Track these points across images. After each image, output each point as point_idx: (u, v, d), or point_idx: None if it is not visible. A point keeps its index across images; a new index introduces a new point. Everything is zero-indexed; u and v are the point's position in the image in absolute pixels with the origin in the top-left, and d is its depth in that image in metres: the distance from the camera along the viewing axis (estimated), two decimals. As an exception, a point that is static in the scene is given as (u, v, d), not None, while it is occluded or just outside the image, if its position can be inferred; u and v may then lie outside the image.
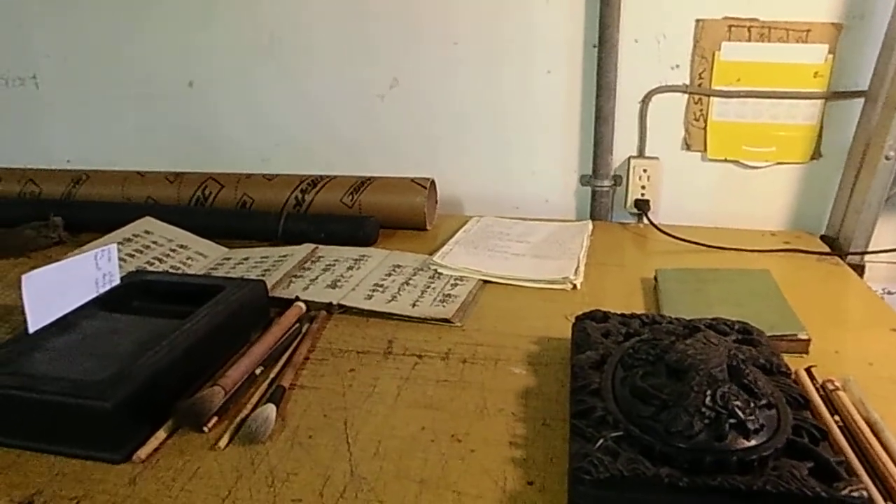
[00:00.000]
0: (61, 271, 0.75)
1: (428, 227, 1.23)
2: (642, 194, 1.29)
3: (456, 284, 0.97)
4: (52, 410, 0.60)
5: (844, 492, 0.47)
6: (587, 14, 1.22)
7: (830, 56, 1.16)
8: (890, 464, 0.54)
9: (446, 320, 0.86)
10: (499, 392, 0.70)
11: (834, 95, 1.18)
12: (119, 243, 1.08)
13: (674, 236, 1.17)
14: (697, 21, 1.19)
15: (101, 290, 0.81)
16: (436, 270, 1.02)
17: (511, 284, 0.98)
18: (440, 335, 0.83)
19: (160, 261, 1.07)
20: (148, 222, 1.18)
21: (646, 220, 1.26)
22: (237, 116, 1.44)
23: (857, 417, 0.61)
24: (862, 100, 1.15)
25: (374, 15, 1.30)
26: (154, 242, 1.12)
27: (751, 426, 0.52)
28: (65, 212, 1.24)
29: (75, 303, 0.77)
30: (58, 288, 0.75)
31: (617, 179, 1.31)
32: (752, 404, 0.54)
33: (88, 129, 1.52)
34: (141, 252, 1.08)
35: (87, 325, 0.75)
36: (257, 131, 1.44)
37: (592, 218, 1.32)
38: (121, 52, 1.43)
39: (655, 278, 0.97)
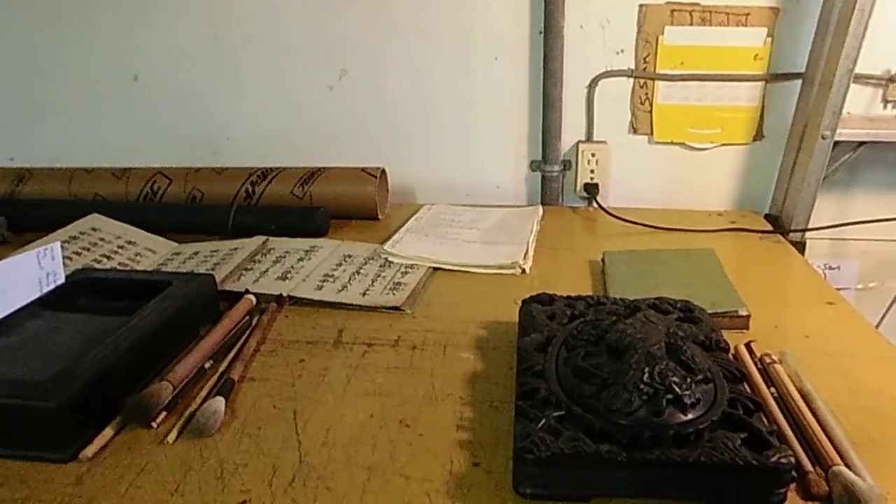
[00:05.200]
0: (1, 271, 0.74)
1: (380, 217, 1.24)
2: (591, 178, 1.30)
3: (406, 272, 0.97)
4: (-6, 412, 0.60)
5: (774, 459, 0.49)
6: (532, 1, 1.23)
7: (769, 39, 1.19)
8: (819, 431, 0.57)
9: (396, 308, 0.86)
10: (447, 377, 0.71)
11: (773, 77, 1.21)
12: (65, 241, 1.07)
13: (623, 219, 1.19)
14: (640, 6, 1.21)
15: (45, 290, 0.80)
16: (386, 259, 1.02)
17: (461, 271, 0.99)
18: (390, 323, 0.84)
19: (108, 258, 1.05)
20: (95, 219, 1.16)
21: (595, 204, 1.28)
22: (185, 110, 1.41)
23: (792, 389, 0.64)
24: (800, 81, 1.19)
25: (321, 5, 1.29)
26: (101, 239, 1.10)
27: (687, 401, 0.54)
28: (9, 211, 1.21)
29: (17, 303, 0.76)
30: (-2, 288, 0.74)
31: (566, 164, 1.32)
32: (689, 380, 0.56)
33: (32, 126, 1.48)
34: (88, 250, 1.07)
35: (31, 326, 0.75)
36: (206, 124, 1.42)
37: (543, 203, 1.33)
38: (64, 46, 1.40)
39: (603, 260, 0.99)
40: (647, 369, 0.55)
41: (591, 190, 1.30)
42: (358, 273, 0.97)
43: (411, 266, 1.00)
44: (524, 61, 1.28)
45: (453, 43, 1.28)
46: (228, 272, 0.97)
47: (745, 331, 0.80)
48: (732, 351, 0.69)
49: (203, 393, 0.68)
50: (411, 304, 0.88)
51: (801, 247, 1.17)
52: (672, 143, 1.29)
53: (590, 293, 0.81)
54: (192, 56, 1.37)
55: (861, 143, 1.18)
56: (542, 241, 1.10)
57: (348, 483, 0.56)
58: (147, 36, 1.37)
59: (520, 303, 0.78)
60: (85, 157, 1.41)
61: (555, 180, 1.32)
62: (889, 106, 1.20)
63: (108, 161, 1.37)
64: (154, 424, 0.63)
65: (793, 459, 0.50)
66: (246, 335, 0.79)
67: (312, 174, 1.23)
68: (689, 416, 0.53)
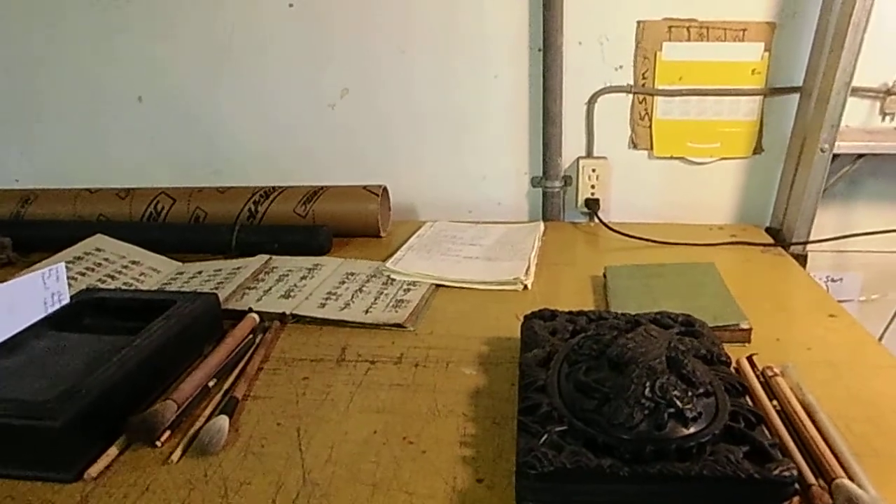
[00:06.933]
0: (7, 292, 0.75)
1: (382, 234, 1.24)
2: (592, 193, 1.31)
3: (409, 289, 0.98)
4: None
5: (776, 472, 0.49)
6: (531, 18, 1.24)
7: (766, 54, 1.20)
8: (822, 443, 0.57)
9: (399, 325, 0.87)
10: (450, 393, 0.71)
11: (771, 91, 1.22)
12: (70, 262, 1.07)
13: (624, 234, 1.19)
14: (638, 23, 1.22)
15: (51, 310, 0.80)
16: (389, 276, 1.02)
17: (463, 287, 1.00)
18: (393, 340, 0.84)
19: (112, 278, 1.06)
20: (99, 239, 1.17)
21: (596, 219, 1.28)
22: (188, 130, 1.43)
23: (794, 401, 0.64)
24: (798, 95, 1.19)
25: (323, 26, 1.30)
26: (106, 260, 1.11)
27: (689, 414, 0.54)
28: (14, 232, 1.22)
29: (23, 323, 0.76)
30: (4, 309, 0.74)
31: (567, 180, 1.33)
32: (691, 393, 0.56)
33: (37, 147, 1.50)
34: (92, 270, 1.07)
35: (36, 345, 0.75)
36: (208, 144, 1.43)
37: (544, 219, 1.34)
38: (68, 67, 1.42)
39: (604, 275, 0.99)
40: (648, 383, 0.56)
41: (592, 205, 1.30)
42: (360, 291, 0.98)
43: (413, 283, 1.00)
44: (524, 78, 1.29)
45: (453, 61, 1.30)
46: (232, 291, 0.97)
47: (746, 344, 0.80)
48: (734, 364, 0.70)
49: (207, 411, 0.69)
50: (414, 321, 0.88)
51: (802, 259, 1.17)
52: (672, 157, 1.30)
53: (591, 308, 0.81)
54: (194, 77, 1.38)
55: (860, 156, 1.19)
56: (543, 257, 1.11)
57: (352, 500, 0.56)
58: (151, 58, 1.38)
59: (522, 318, 0.79)
60: (89, 178, 1.42)
61: (556, 196, 1.33)
62: (887, 118, 1.21)
63: (112, 182, 1.38)
64: (158, 443, 0.64)
65: (795, 472, 0.50)
66: (249, 353, 0.80)
67: (314, 193, 1.24)
68: (691, 430, 0.53)
